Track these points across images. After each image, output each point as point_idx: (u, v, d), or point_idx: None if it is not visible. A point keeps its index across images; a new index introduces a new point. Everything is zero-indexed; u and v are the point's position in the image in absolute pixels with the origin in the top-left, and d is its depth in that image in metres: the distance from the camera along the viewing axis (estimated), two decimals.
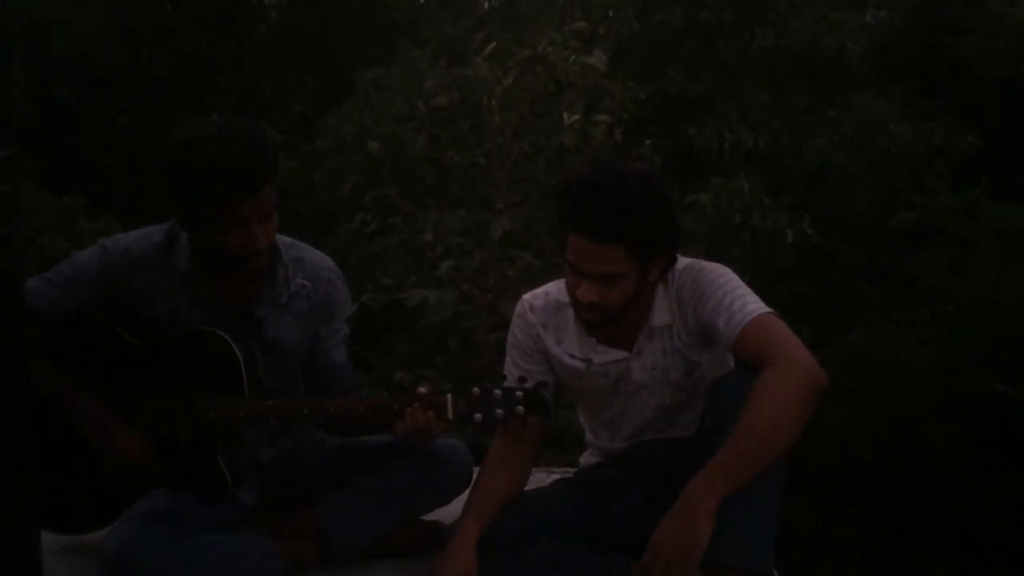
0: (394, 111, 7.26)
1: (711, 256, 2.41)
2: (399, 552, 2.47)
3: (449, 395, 2.21)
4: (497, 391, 2.17)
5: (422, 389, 2.23)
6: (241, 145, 2.16)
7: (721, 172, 7.97)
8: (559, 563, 2.25)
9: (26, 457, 1.50)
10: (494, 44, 6.81)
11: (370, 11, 12.59)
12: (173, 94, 11.32)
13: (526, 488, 2.40)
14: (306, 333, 2.42)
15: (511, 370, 2.37)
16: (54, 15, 11.74)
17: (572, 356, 2.35)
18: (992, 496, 6.41)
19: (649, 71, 8.99)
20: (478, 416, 2.17)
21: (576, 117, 6.66)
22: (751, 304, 2.16)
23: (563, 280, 2.31)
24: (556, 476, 2.63)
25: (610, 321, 2.24)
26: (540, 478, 2.58)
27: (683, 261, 2.29)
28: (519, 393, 2.16)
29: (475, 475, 2.40)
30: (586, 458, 2.56)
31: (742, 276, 2.27)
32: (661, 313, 2.29)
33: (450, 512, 2.44)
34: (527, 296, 2.42)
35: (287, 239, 2.42)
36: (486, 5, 12.34)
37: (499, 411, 2.16)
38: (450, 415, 2.20)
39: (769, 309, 2.16)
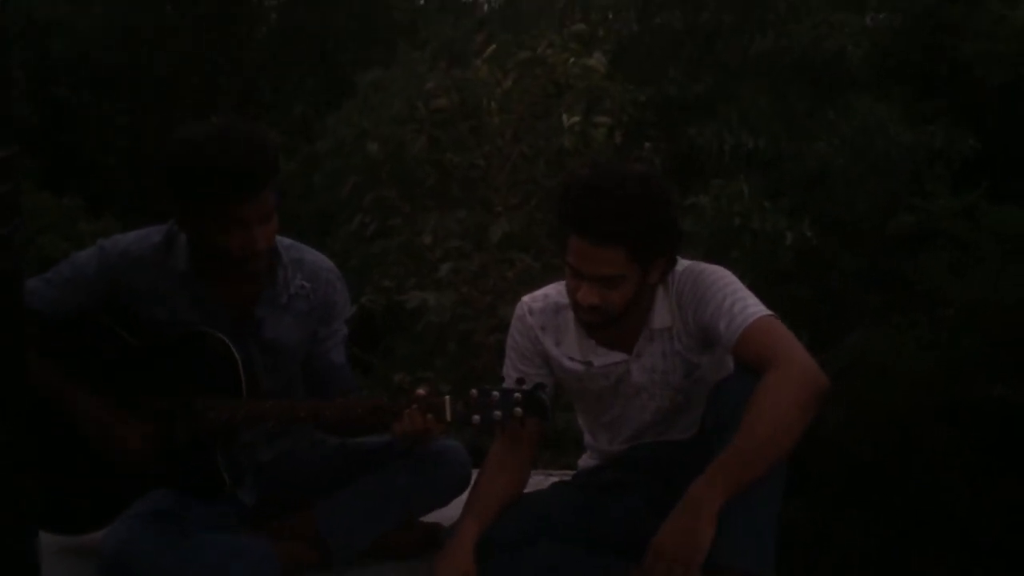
0: (394, 113, 7.26)
1: (711, 258, 2.41)
2: (398, 554, 2.47)
3: (447, 397, 2.20)
4: (495, 393, 2.16)
5: (420, 391, 2.23)
6: (241, 146, 2.16)
7: (721, 174, 7.97)
8: (558, 565, 2.25)
9: (25, 457, 1.50)
10: (494, 46, 6.82)
11: (370, 12, 12.59)
12: (173, 94, 11.32)
13: (525, 490, 2.40)
14: (305, 334, 2.42)
15: (510, 372, 2.37)
16: (54, 15, 11.74)
17: (571, 358, 2.35)
18: (991, 499, 6.40)
19: (649, 73, 8.99)
20: (476, 418, 2.17)
21: (576, 119, 6.67)
22: (752, 307, 2.16)
23: (562, 282, 2.31)
24: (555, 478, 2.63)
25: (610, 323, 2.24)
26: (539, 480, 2.57)
27: (683, 263, 2.29)
28: (517, 395, 2.16)
29: (473, 477, 2.40)
30: (585, 460, 2.56)
31: (741, 279, 2.27)
32: (661, 315, 2.28)
33: (449, 514, 2.43)
34: (526, 298, 2.42)
35: (287, 240, 2.42)
36: (486, 7, 12.35)
37: (497, 413, 2.15)
38: (448, 417, 2.20)
39: (770, 312, 2.16)
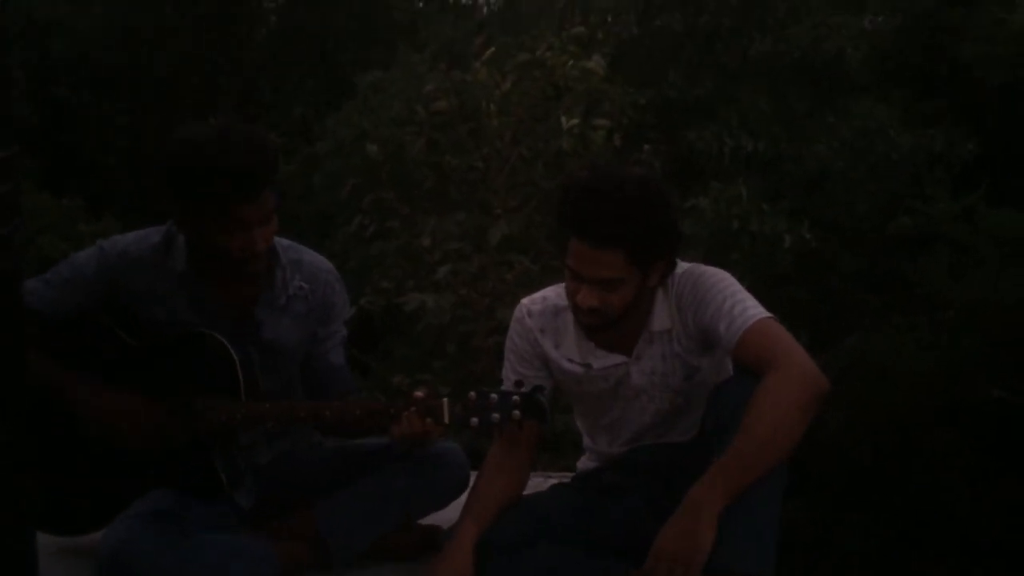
0: (393, 114, 7.27)
1: (710, 261, 2.41)
2: (396, 555, 2.47)
3: (445, 399, 2.20)
4: (493, 395, 2.16)
5: (419, 393, 2.23)
6: (242, 147, 2.17)
7: (720, 177, 7.97)
8: (557, 567, 2.25)
9: (24, 458, 1.50)
10: (493, 48, 6.82)
11: (370, 13, 12.59)
12: (173, 95, 11.32)
13: (524, 492, 2.39)
14: (304, 335, 2.42)
15: (509, 375, 2.37)
16: (54, 15, 11.75)
17: (571, 360, 2.35)
18: (991, 500, 6.41)
19: (648, 76, 8.99)
20: (474, 420, 2.16)
21: (575, 121, 6.67)
22: (751, 309, 2.16)
23: (562, 285, 2.31)
24: (554, 480, 2.62)
25: (609, 325, 2.24)
26: (538, 483, 2.57)
27: (683, 266, 2.29)
28: (515, 397, 2.15)
29: (472, 479, 2.40)
30: (584, 463, 2.56)
31: (741, 281, 2.27)
32: (661, 318, 2.28)
33: (448, 516, 2.43)
34: (525, 301, 2.42)
35: (285, 241, 2.42)
36: (485, 9, 12.37)
37: (495, 415, 2.15)
38: (446, 419, 2.19)
39: (769, 314, 2.16)
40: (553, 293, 2.38)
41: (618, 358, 2.32)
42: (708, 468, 2.00)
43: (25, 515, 1.53)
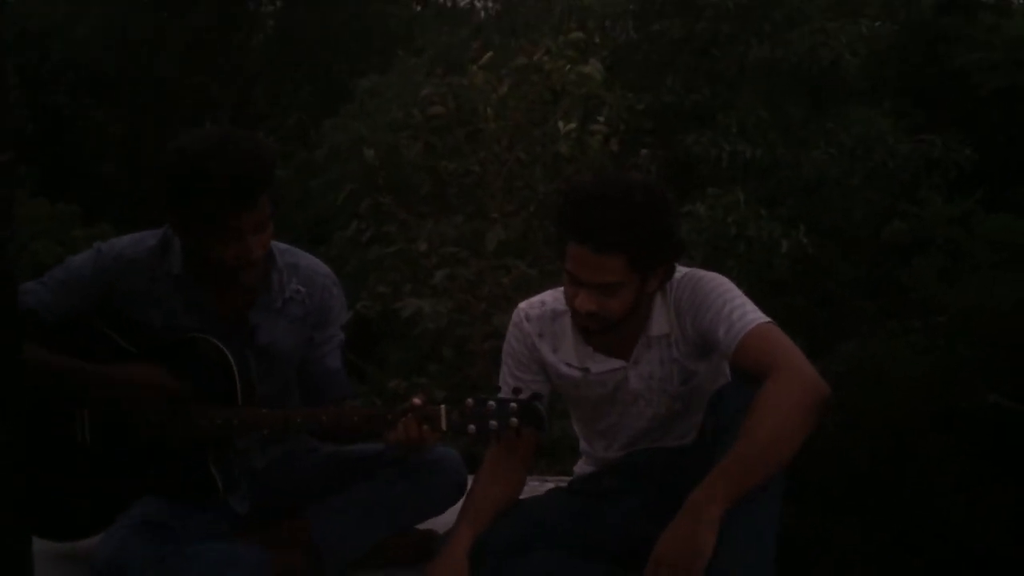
0: (390, 119, 7.28)
1: (707, 267, 2.41)
2: (392, 560, 2.46)
3: (443, 406, 2.20)
4: (491, 402, 2.16)
5: (416, 400, 2.22)
6: (239, 156, 2.16)
7: (717, 183, 7.98)
8: (553, 572, 2.24)
9: (20, 461, 1.50)
10: (490, 53, 6.82)
11: (367, 19, 12.61)
12: (169, 101, 11.33)
13: (520, 497, 2.39)
14: (300, 339, 2.41)
15: (507, 379, 2.36)
16: (50, 22, 11.75)
17: (569, 365, 2.35)
18: (986, 505, 6.41)
19: (646, 81, 9.00)
20: (472, 427, 2.16)
21: (572, 126, 6.67)
22: (751, 314, 2.16)
23: (560, 289, 2.31)
24: (550, 485, 2.62)
25: (608, 330, 2.24)
26: (534, 487, 2.57)
27: (681, 271, 2.29)
28: (513, 405, 2.15)
29: (468, 484, 2.40)
30: (580, 467, 2.55)
31: (737, 287, 2.27)
32: (659, 322, 2.28)
33: (444, 521, 2.43)
34: (523, 305, 2.42)
35: (282, 245, 2.42)
36: (482, 14, 12.38)
37: (493, 423, 2.15)
38: (444, 426, 2.19)
39: (768, 319, 2.16)
40: (551, 297, 2.38)
41: (616, 362, 2.32)
42: (709, 472, 1.99)
43: (23, 516, 1.52)
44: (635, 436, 2.40)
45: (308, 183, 8.91)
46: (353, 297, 6.33)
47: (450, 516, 2.37)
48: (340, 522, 2.38)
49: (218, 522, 2.35)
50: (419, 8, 14.10)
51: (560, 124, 6.65)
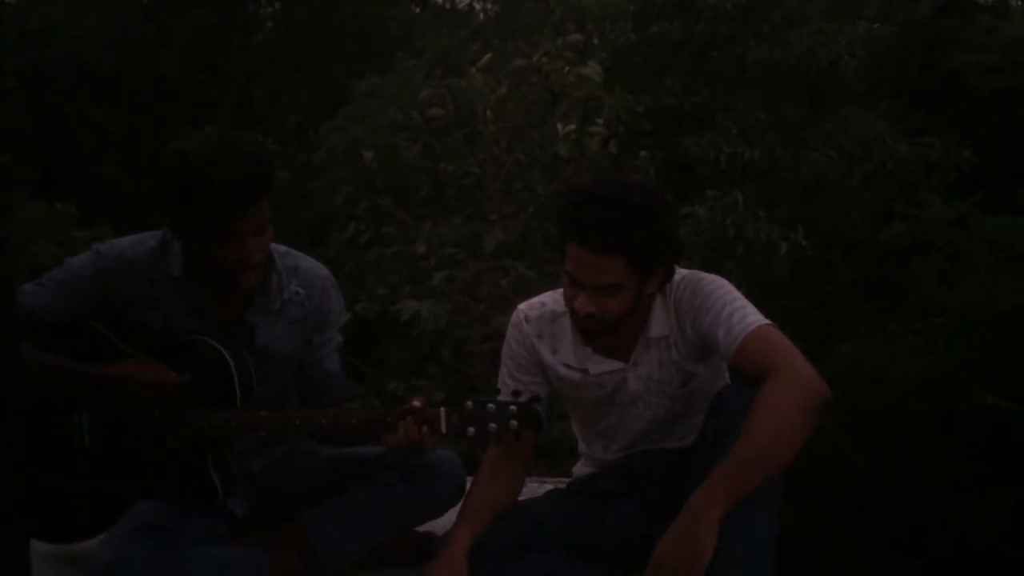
0: (389, 121, 7.28)
1: (705, 269, 2.41)
2: (391, 562, 2.46)
3: (442, 408, 2.19)
4: (491, 405, 2.16)
5: (415, 403, 2.22)
6: (239, 158, 2.16)
7: (716, 185, 7.98)
8: (552, 573, 2.25)
9: (19, 462, 1.50)
10: (489, 55, 6.82)
11: (365, 21, 12.61)
12: (168, 102, 11.33)
13: (519, 498, 2.39)
14: (298, 341, 2.41)
15: (506, 381, 2.36)
16: (49, 23, 11.75)
17: (568, 366, 2.35)
18: (985, 507, 6.41)
19: (645, 83, 9.00)
20: (471, 430, 2.16)
21: (571, 128, 6.67)
22: (750, 316, 2.16)
23: (559, 290, 2.31)
24: (549, 486, 2.62)
25: (607, 331, 2.24)
26: (533, 488, 2.57)
27: (681, 272, 2.29)
28: (513, 407, 2.15)
29: (467, 486, 2.39)
30: (579, 468, 2.55)
31: (737, 289, 2.26)
32: (659, 324, 2.28)
33: (443, 523, 2.43)
34: (522, 306, 2.42)
35: (282, 247, 2.42)
36: (481, 16, 12.39)
37: (493, 425, 2.15)
38: (443, 429, 2.19)
39: (768, 321, 2.16)
40: (550, 298, 2.38)
41: (615, 364, 2.32)
42: (709, 474, 1.99)
43: (22, 516, 1.52)
44: (634, 438, 2.40)
45: (307, 185, 8.91)
46: (352, 299, 6.33)
47: (449, 518, 2.37)
48: (339, 524, 2.38)
49: (216, 524, 2.34)
50: (418, 10, 14.11)
51: (559, 126, 6.65)
